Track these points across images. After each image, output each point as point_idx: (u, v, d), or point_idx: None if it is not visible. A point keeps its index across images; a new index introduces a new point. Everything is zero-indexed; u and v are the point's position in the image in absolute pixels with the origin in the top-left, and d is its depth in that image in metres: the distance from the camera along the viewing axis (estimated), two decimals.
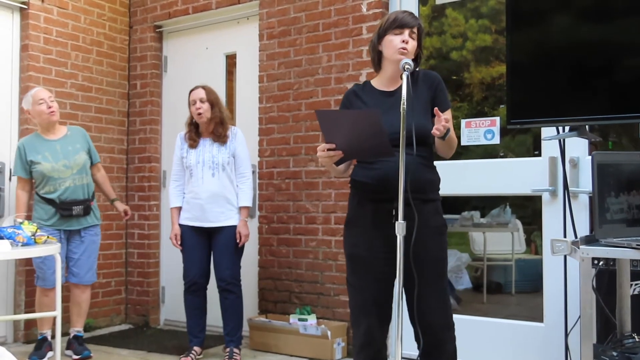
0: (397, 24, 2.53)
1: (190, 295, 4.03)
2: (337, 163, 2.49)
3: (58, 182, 4.06)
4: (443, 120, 2.31)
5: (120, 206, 4.50)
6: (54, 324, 4.05)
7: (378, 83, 2.65)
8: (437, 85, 2.58)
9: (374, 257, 2.51)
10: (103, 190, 4.47)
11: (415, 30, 2.54)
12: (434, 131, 2.34)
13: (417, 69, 2.60)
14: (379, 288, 2.54)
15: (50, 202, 4.06)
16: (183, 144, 4.06)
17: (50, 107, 4.11)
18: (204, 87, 4.03)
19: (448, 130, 2.38)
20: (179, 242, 4.02)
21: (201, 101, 3.96)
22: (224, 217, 3.95)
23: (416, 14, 4.06)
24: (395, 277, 2.50)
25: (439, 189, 2.61)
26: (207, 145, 3.99)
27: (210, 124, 4.00)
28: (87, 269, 4.19)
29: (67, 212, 4.06)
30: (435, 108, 2.35)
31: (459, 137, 3.64)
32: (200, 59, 5.11)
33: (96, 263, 4.30)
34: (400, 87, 2.46)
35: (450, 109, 2.61)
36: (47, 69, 4.73)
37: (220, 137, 3.98)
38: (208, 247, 4.03)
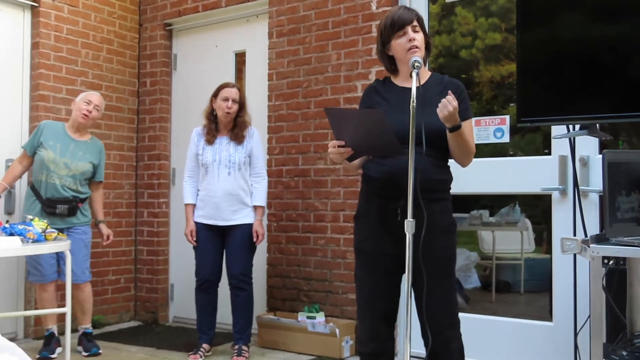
0: (397, 26, 2.50)
1: (202, 293, 4.04)
2: (350, 160, 2.51)
3: (50, 175, 4.02)
4: (451, 98, 2.27)
5: (105, 230, 4.34)
6: (58, 319, 4.06)
7: (398, 80, 2.63)
8: (459, 94, 2.51)
9: (380, 253, 2.52)
10: (94, 208, 4.32)
11: (415, 22, 2.53)
12: (438, 110, 2.30)
13: (443, 75, 2.62)
14: (385, 283, 2.55)
15: (38, 196, 4.04)
16: (199, 140, 4.05)
17: (88, 112, 4.11)
18: (238, 88, 4.06)
19: (459, 124, 2.35)
20: (195, 239, 4.02)
21: (234, 101, 3.98)
22: (237, 215, 3.96)
23: (425, 12, 4.05)
24: (401, 274, 2.53)
25: (449, 188, 2.59)
26: (224, 144, 3.99)
27: (231, 123, 4.02)
28: (77, 267, 4.05)
29: (50, 209, 4.01)
30: (450, 91, 2.32)
31: None
32: (209, 56, 5.12)
33: (88, 261, 4.21)
34: (423, 83, 2.50)
35: (472, 119, 2.54)
36: (57, 67, 4.74)
37: (238, 137, 3.99)
38: (221, 244, 4.03)
